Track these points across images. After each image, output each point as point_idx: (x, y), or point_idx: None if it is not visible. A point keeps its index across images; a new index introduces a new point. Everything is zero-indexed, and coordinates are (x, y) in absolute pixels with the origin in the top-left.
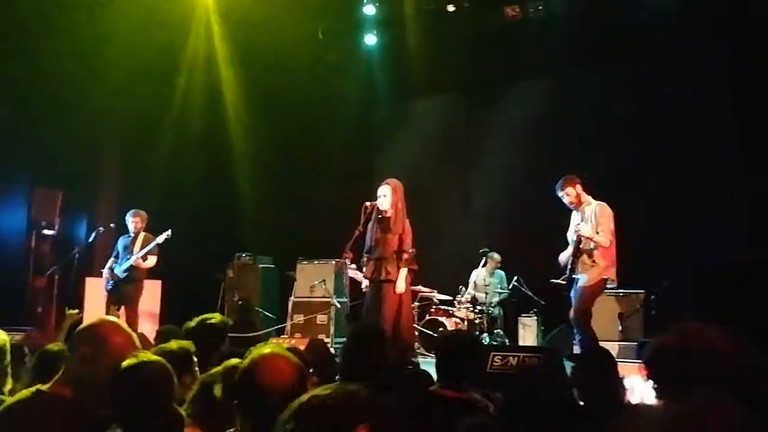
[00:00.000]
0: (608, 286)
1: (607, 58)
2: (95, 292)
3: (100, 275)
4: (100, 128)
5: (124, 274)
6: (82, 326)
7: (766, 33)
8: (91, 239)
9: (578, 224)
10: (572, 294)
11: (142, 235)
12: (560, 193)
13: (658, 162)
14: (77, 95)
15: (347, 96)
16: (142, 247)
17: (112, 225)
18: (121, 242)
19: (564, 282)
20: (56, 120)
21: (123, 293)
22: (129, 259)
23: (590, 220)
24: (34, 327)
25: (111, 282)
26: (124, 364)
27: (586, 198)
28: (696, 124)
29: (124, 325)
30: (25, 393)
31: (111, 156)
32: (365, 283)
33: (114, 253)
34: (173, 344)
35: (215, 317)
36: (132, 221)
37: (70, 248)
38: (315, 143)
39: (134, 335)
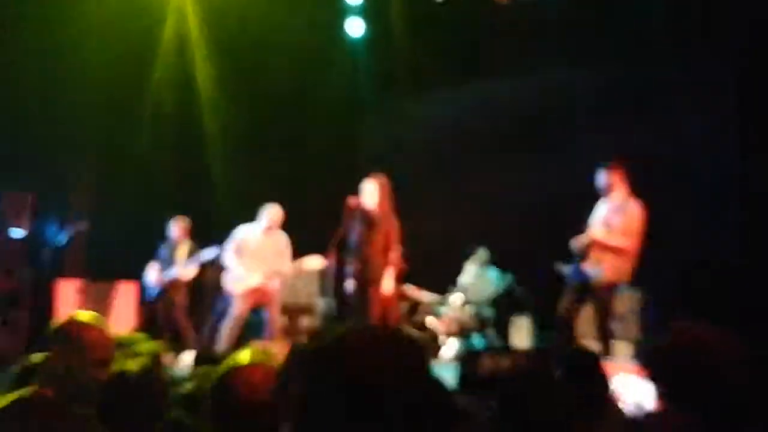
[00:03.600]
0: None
1: (601, 52)
2: (67, 295)
3: (72, 277)
4: (73, 127)
5: (170, 284)
6: (54, 326)
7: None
8: (63, 240)
9: (601, 217)
10: (571, 278)
11: (185, 242)
12: (600, 172)
13: (651, 160)
14: (48, 90)
15: (330, 88)
16: (188, 255)
17: (84, 225)
18: (163, 249)
19: (568, 269)
20: (26, 118)
21: (169, 301)
22: (175, 268)
23: (620, 215)
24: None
25: (158, 289)
26: (117, 368)
27: (623, 190)
28: (685, 119)
29: (97, 321)
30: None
31: (83, 155)
32: (351, 283)
33: (156, 258)
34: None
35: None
36: (173, 228)
37: (41, 250)
38: (296, 137)
39: (107, 329)
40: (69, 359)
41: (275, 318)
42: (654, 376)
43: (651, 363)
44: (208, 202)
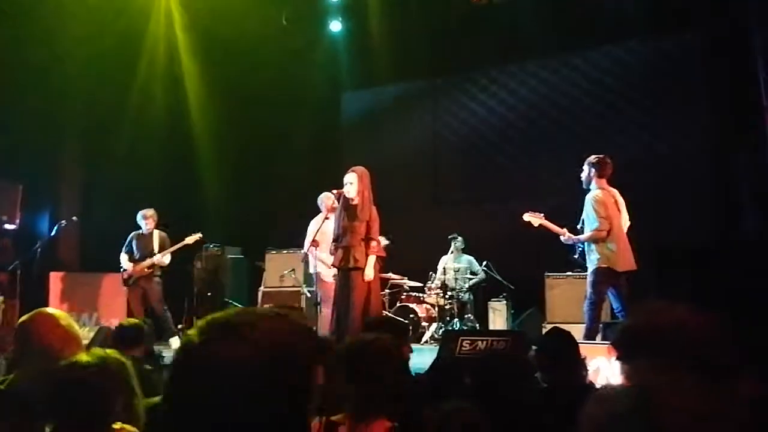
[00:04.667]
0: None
1: (577, 43)
2: (59, 286)
3: (63, 269)
4: (61, 120)
5: (147, 271)
6: (20, 321)
7: (740, 17)
8: (53, 233)
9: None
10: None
11: (156, 233)
12: (582, 167)
13: (628, 148)
14: (35, 85)
15: (312, 83)
16: (161, 245)
17: (74, 218)
18: (135, 240)
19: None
20: (15, 112)
21: (147, 289)
22: (148, 256)
23: (586, 208)
24: None
25: (133, 278)
26: (63, 363)
27: (592, 184)
28: (663, 105)
29: (62, 316)
30: None
31: (72, 148)
32: (333, 271)
33: (126, 249)
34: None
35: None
36: (145, 221)
37: (32, 242)
38: (280, 132)
39: (73, 324)
40: (21, 357)
41: None
42: (624, 356)
43: (620, 343)
44: (195, 195)
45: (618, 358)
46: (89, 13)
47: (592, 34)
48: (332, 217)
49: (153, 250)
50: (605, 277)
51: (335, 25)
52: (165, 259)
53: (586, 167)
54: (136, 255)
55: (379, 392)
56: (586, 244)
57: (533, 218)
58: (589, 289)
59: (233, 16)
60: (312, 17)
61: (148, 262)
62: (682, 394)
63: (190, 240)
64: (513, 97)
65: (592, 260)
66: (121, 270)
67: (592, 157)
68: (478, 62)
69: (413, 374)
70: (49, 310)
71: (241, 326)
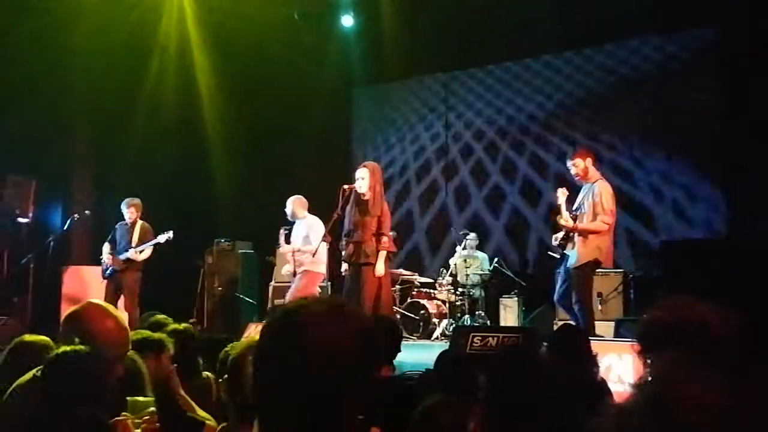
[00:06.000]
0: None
1: (590, 38)
2: (72, 280)
3: (76, 263)
4: (73, 114)
5: (123, 265)
6: (69, 313)
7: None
8: (66, 227)
9: (571, 209)
10: (561, 269)
11: (139, 224)
12: (569, 163)
13: (634, 142)
14: (49, 80)
15: (324, 79)
16: (140, 238)
17: (87, 212)
18: (119, 230)
19: (558, 256)
20: (28, 106)
21: (122, 282)
22: (127, 250)
23: (589, 198)
24: (10, 317)
25: (111, 268)
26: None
27: (593, 173)
28: (671, 100)
29: (111, 309)
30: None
31: (84, 142)
32: (345, 266)
33: (110, 238)
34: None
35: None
36: (128, 210)
37: (45, 236)
38: (292, 127)
39: (122, 318)
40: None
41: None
42: (648, 351)
43: (645, 339)
44: (206, 190)
45: (641, 352)
46: (101, 7)
47: (605, 28)
48: (299, 221)
49: (132, 242)
50: (593, 271)
51: (347, 20)
52: (141, 254)
53: (577, 161)
54: (119, 246)
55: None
56: (580, 233)
57: (562, 194)
58: (579, 284)
59: (245, 11)
60: (324, 12)
61: (123, 255)
62: (703, 388)
63: (161, 238)
64: (526, 90)
65: (584, 252)
66: (101, 260)
67: (579, 149)
68: (490, 56)
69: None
70: (96, 301)
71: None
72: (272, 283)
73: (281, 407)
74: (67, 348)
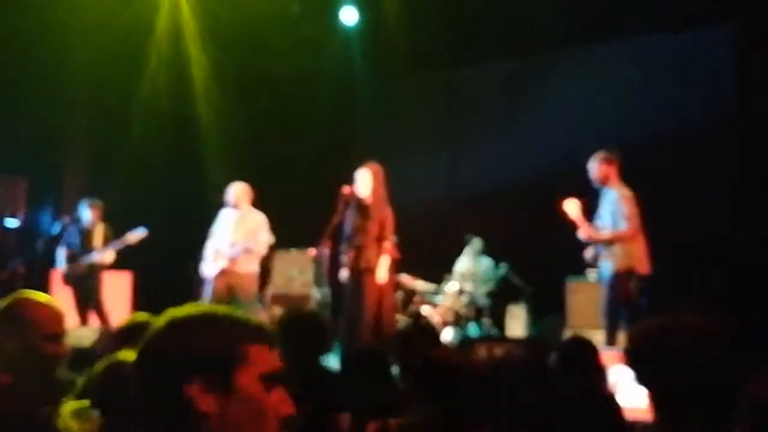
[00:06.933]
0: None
1: (601, 35)
2: (61, 284)
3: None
4: (65, 113)
5: (87, 270)
6: (2, 306)
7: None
8: (57, 230)
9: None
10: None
11: (100, 226)
12: (592, 164)
13: (646, 144)
14: (40, 77)
15: (325, 75)
16: (104, 240)
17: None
18: (71, 233)
19: (596, 273)
20: (19, 105)
21: (88, 288)
22: (89, 252)
23: (608, 206)
24: None
25: (76, 275)
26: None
27: (614, 182)
28: (682, 101)
29: (45, 298)
30: None
31: (77, 143)
32: (345, 272)
33: (65, 243)
34: None
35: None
36: (91, 211)
37: (34, 239)
38: (291, 125)
39: (57, 307)
40: (20, 338)
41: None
42: (634, 364)
43: (631, 352)
44: (202, 191)
45: (628, 365)
46: (96, 5)
47: (618, 25)
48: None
49: (94, 246)
50: (625, 280)
51: (350, 14)
52: (108, 257)
53: (598, 164)
54: (77, 251)
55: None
56: (605, 244)
57: (572, 207)
58: (608, 293)
59: (244, 4)
60: (326, 6)
61: (87, 261)
62: None
63: (132, 239)
64: (533, 88)
65: (613, 262)
66: (58, 267)
67: (604, 153)
68: (496, 52)
69: None
70: (31, 292)
71: None
72: (269, 289)
73: None
74: None
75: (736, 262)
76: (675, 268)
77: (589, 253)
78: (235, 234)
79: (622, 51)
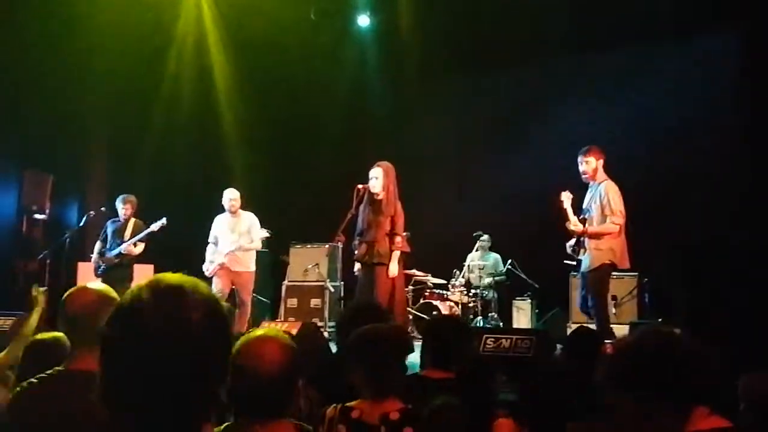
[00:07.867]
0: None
1: (612, 38)
2: (87, 276)
3: (91, 259)
4: (91, 111)
5: (116, 260)
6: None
7: None
8: (82, 223)
9: (579, 217)
10: (579, 276)
11: (132, 221)
12: (581, 158)
13: (652, 145)
14: (66, 77)
15: (340, 78)
16: (132, 234)
17: (102, 209)
18: (110, 227)
19: (575, 263)
20: (45, 102)
21: (114, 279)
22: (120, 245)
23: (596, 200)
24: (25, 312)
25: (102, 267)
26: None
27: (601, 174)
28: (691, 104)
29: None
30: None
31: (101, 139)
32: (357, 266)
33: (102, 236)
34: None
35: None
36: (122, 207)
37: (61, 232)
38: (308, 126)
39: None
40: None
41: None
42: (607, 377)
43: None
44: (222, 189)
45: (602, 376)
46: (119, 6)
47: (624, 31)
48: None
49: (124, 238)
50: (608, 273)
51: (364, 20)
52: (136, 248)
53: (590, 159)
54: (110, 243)
55: (390, 375)
56: (591, 237)
57: (566, 198)
58: (594, 287)
59: (263, 10)
60: (341, 12)
61: (116, 250)
62: None
63: (155, 227)
64: (542, 92)
65: (597, 255)
66: (92, 258)
67: (593, 148)
68: (507, 57)
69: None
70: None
71: None
72: (285, 282)
73: None
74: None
75: (736, 262)
76: (675, 267)
77: (570, 245)
78: (232, 235)
79: (628, 57)
